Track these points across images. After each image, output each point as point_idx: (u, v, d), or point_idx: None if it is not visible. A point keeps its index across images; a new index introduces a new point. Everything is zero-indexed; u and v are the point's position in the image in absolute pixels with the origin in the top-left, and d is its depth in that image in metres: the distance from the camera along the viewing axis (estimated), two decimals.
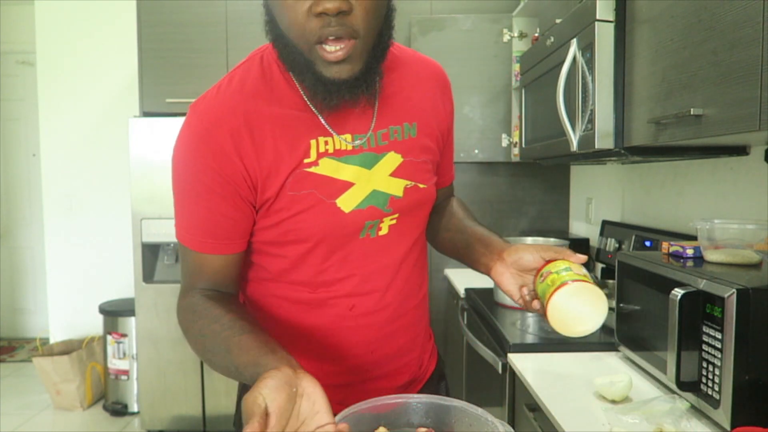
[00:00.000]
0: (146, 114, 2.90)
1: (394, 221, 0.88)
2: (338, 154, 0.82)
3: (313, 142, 0.81)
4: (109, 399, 3.20)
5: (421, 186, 0.89)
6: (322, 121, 0.81)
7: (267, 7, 0.76)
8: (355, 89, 0.76)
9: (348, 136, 0.83)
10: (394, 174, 0.86)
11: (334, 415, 0.63)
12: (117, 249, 3.57)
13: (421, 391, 1.00)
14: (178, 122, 2.74)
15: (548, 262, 0.82)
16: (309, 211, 0.81)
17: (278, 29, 0.75)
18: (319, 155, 0.81)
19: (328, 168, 0.81)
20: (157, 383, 2.85)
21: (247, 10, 2.88)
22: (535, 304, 0.81)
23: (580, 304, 0.75)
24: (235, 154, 0.78)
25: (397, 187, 0.86)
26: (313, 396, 0.62)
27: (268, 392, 0.59)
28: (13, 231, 4.55)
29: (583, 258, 0.81)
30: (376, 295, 0.89)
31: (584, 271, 0.80)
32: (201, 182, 0.79)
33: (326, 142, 0.81)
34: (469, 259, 0.94)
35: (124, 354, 3.11)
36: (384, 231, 0.87)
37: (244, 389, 0.97)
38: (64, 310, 3.64)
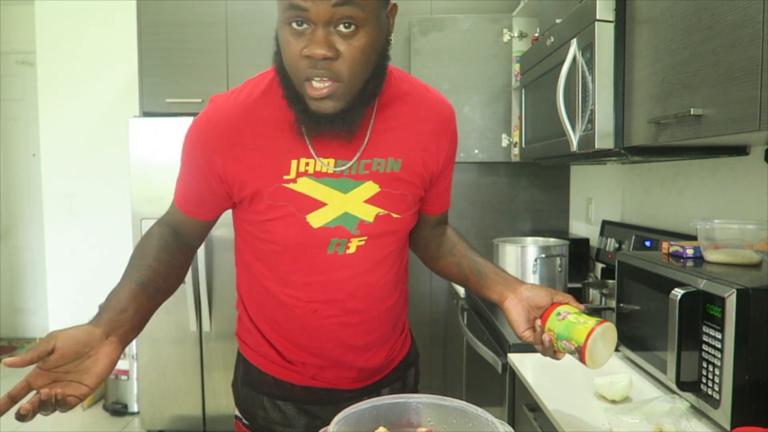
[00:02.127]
0: (146, 114, 2.90)
1: (362, 242, 0.97)
2: (317, 175, 0.93)
3: (294, 161, 0.92)
4: (109, 399, 3.20)
5: (395, 215, 0.98)
6: (308, 144, 0.92)
7: (276, 39, 0.87)
8: (334, 124, 0.86)
9: (331, 161, 0.93)
10: (369, 201, 0.96)
11: (333, 415, 0.69)
12: (117, 249, 3.57)
13: (388, 376, 1.11)
14: (178, 122, 2.75)
15: (557, 304, 0.91)
16: (281, 220, 0.93)
17: (281, 60, 0.86)
18: (299, 174, 0.92)
19: (304, 186, 0.92)
20: (157, 383, 2.85)
21: (247, 10, 2.88)
22: (545, 337, 0.89)
23: (606, 342, 0.86)
24: (219, 153, 0.92)
25: (368, 213, 0.96)
26: (96, 365, 0.79)
27: (66, 338, 0.78)
28: (13, 231, 4.55)
29: (582, 307, 0.91)
30: (338, 304, 0.99)
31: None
32: (191, 160, 0.96)
33: (307, 164, 0.92)
34: (477, 286, 1.04)
35: (124, 354, 3.11)
36: (352, 250, 0.97)
37: (241, 358, 1.13)
38: (64, 310, 3.64)
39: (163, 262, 0.96)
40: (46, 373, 0.79)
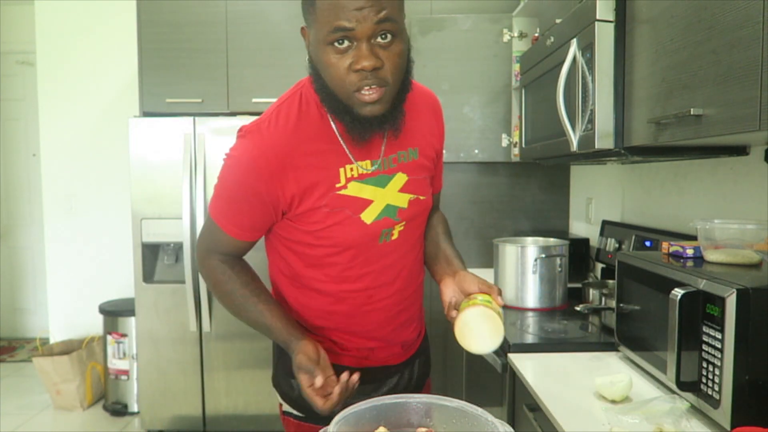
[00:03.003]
0: (146, 114, 2.90)
1: (402, 227, 1.08)
2: (360, 178, 1.03)
3: (341, 170, 1.01)
4: (109, 399, 3.20)
5: (422, 198, 1.11)
6: (347, 152, 1.01)
7: (312, 63, 0.96)
8: (383, 124, 0.96)
9: (367, 163, 1.03)
10: (402, 190, 1.07)
11: (334, 415, 0.74)
12: (117, 249, 3.57)
13: (419, 350, 1.25)
14: (178, 122, 2.75)
15: (481, 292, 1.01)
16: (341, 224, 1.02)
17: (322, 81, 0.95)
18: (347, 180, 1.01)
19: (354, 190, 1.02)
20: (157, 383, 2.85)
21: (247, 10, 2.88)
22: (453, 313, 1.01)
23: (481, 326, 0.94)
24: (278, 179, 0.98)
25: (403, 201, 1.07)
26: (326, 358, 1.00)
27: (315, 351, 0.99)
28: (13, 231, 4.55)
29: (502, 301, 1.02)
30: (387, 286, 1.11)
31: (499, 309, 0.98)
32: (243, 192, 1.01)
33: (351, 169, 1.02)
34: (431, 268, 1.18)
35: (124, 354, 3.11)
36: (395, 236, 1.08)
37: (281, 353, 1.17)
38: (64, 310, 3.64)
39: (254, 286, 1.09)
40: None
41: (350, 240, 1.04)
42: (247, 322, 1.09)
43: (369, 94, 0.90)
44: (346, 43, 0.88)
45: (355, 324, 1.12)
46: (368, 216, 1.04)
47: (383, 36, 0.88)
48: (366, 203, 1.03)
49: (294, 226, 1.05)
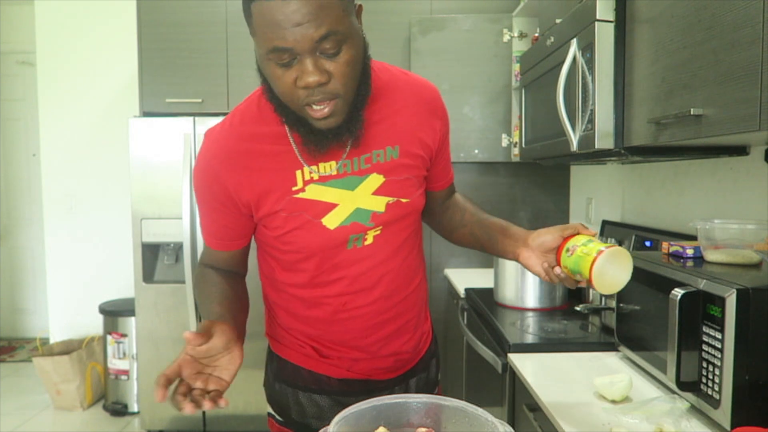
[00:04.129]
0: (146, 114, 2.90)
1: (378, 232, 1.00)
2: (323, 180, 0.96)
3: (298, 172, 0.95)
4: (109, 399, 3.20)
5: (404, 200, 1.01)
6: (309, 152, 0.93)
7: (260, 71, 0.89)
8: (340, 136, 0.90)
9: (333, 163, 0.96)
10: (377, 192, 0.98)
11: (334, 414, 0.72)
12: (117, 249, 3.57)
13: (416, 366, 1.15)
14: (178, 122, 2.75)
15: (567, 239, 0.91)
16: (300, 229, 0.97)
17: (271, 91, 0.89)
18: (305, 182, 0.95)
19: (314, 193, 0.96)
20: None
21: None
22: (560, 273, 0.91)
23: (617, 266, 0.86)
24: (230, 184, 0.95)
25: (379, 204, 0.99)
26: (232, 363, 0.86)
27: (221, 331, 0.84)
28: (13, 231, 4.55)
29: (594, 231, 0.93)
30: (365, 293, 1.03)
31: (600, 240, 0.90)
32: (206, 198, 1.00)
33: (311, 171, 0.95)
34: (494, 249, 1.07)
35: (124, 354, 3.11)
36: (369, 241, 1.00)
37: (271, 357, 1.15)
38: (64, 310, 3.64)
39: (227, 304, 1.00)
40: (194, 363, 0.83)
41: (313, 246, 0.98)
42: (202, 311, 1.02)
43: (320, 109, 0.84)
44: (287, 58, 0.81)
45: (334, 331, 1.06)
46: (331, 221, 0.97)
47: (328, 49, 0.81)
48: (328, 207, 0.96)
49: (263, 229, 1.01)
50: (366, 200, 0.97)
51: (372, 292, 1.03)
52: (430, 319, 1.22)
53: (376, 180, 0.98)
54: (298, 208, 0.96)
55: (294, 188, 0.95)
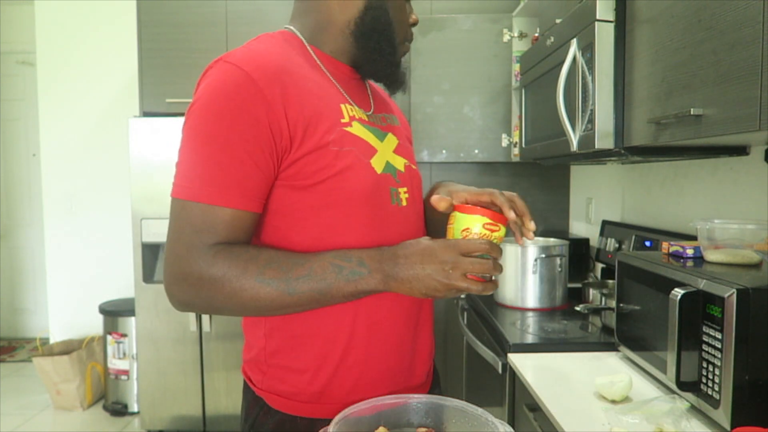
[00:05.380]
0: (146, 114, 2.90)
1: (407, 195, 0.92)
2: (362, 122, 0.89)
3: (343, 106, 0.86)
4: (109, 399, 3.20)
5: (413, 167, 0.98)
6: (342, 92, 0.89)
7: (371, 5, 0.89)
8: (399, 77, 0.96)
9: (363, 111, 0.92)
10: (395, 151, 0.94)
11: (332, 416, 0.68)
12: (117, 249, 3.57)
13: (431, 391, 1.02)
14: (178, 122, 2.74)
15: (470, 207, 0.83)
16: (351, 169, 0.82)
17: (383, 20, 0.90)
18: (351, 118, 0.86)
19: (360, 131, 0.87)
20: (157, 383, 2.85)
21: (247, 10, 2.87)
22: (445, 206, 0.83)
23: None
24: (279, 99, 0.77)
25: (399, 163, 0.93)
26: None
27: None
28: (13, 231, 4.55)
29: (511, 216, 0.82)
30: None
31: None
32: (237, 130, 0.76)
33: (352, 109, 0.88)
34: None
35: (124, 354, 3.11)
36: (404, 203, 0.91)
37: (249, 413, 0.92)
38: (64, 310, 3.64)
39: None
40: None
41: (366, 190, 0.83)
42: (300, 294, 0.76)
43: (407, 45, 0.97)
44: None
45: (373, 329, 0.86)
46: (377, 164, 0.86)
47: None
48: (372, 150, 0.87)
49: (287, 186, 0.80)
50: (391, 156, 0.92)
51: None
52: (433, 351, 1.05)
53: (393, 139, 0.94)
54: (349, 143, 0.83)
55: (343, 120, 0.84)
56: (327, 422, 0.79)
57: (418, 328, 0.94)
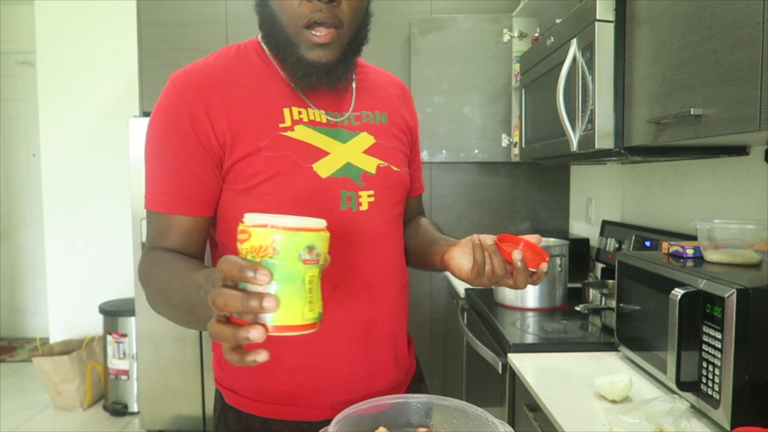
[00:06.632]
0: (146, 114, 2.90)
1: (372, 198, 0.89)
2: (313, 124, 0.87)
3: (286, 110, 0.85)
4: (109, 399, 3.20)
5: (395, 168, 0.93)
6: (300, 94, 0.87)
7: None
8: (332, 73, 0.84)
9: (322, 113, 0.88)
10: (367, 152, 0.90)
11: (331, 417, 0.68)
12: (117, 249, 3.57)
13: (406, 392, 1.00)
14: None
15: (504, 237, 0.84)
16: (286, 174, 0.83)
17: (268, 10, 0.83)
18: (294, 122, 0.85)
19: (303, 134, 0.85)
20: (157, 383, 2.85)
21: (247, 10, 2.86)
22: (490, 243, 0.83)
23: None
24: (203, 110, 0.81)
25: (369, 164, 0.90)
26: None
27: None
28: (13, 231, 4.55)
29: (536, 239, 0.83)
30: (360, 274, 0.89)
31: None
32: (171, 142, 0.82)
33: (300, 112, 0.86)
34: (428, 255, 0.96)
35: (124, 354, 3.11)
36: (364, 207, 0.89)
37: (223, 406, 0.94)
38: (64, 310, 3.64)
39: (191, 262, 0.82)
40: None
41: (300, 194, 0.83)
42: (179, 317, 0.77)
43: (319, 35, 0.79)
44: None
45: (321, 340, 0.85)
46: (323, 168, 0.84)
47: None
48: (319, 153, 0.85)
49: (228, 189, 0.84)
50: (357, 157, 0.89)
51: (368, 275, 0.89)
52: (413, 352, 1.05)
53: (366, 139, 0.91)
54: (285, 147, 0.83)
55: (281, 125, 0.84)
56: (276, 422, 0.88)
57: (373, 338, 0.91)
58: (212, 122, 0.82)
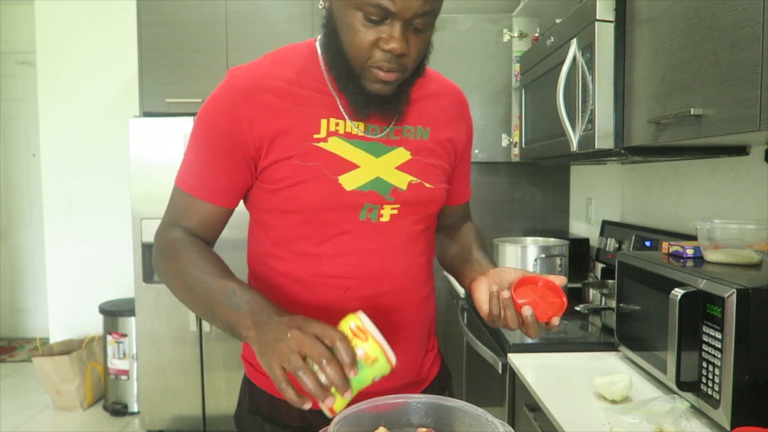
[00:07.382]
0: (146, 114, 2.90)
1: (395, 211, 0.92)
2: (348, 137, 0.89)
3: (323, 120, 0.88)
4: (109, 399, 3.20)
5: (428, 185, 0.94)
6: (339, 106, 0.89)
7: (329, 15, 0.84)
8: (388, 106, 0.87)
9: (361, 125, 0.90)
10: (400, 168, 0.91)
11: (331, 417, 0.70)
12: (117, 249, 3.57)
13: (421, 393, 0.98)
14: (179, 122, 2.75)
15: (526, 279, 0.85)
16: (310, 182, 0.87)
17: (336, 38, 0.83)
18: (329, 133, 0.88)
19: (336, 146, 0.88)
20: (157, 383, 2.85)
21: (247, 10, 2.88)
22: (506, 296, 0.83)
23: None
24: (245, 117, 0.86)
25: (401, 180, 0.91)
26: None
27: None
28: (13, 231, 4.55)
29: (563, 279, 0.85)
30: (372, 282, 0.91)
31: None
32: (208, 138, 0.89)
33: (337, 124, 0.89)
34: (460, 273, 0.99)
35: (124, 354, 3.11)
36: (385, 218, 0.91)
37: (246, 387, 1.01)
38: (64, 310, 3.64)
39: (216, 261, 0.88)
40: None
41: (320, 204, 0.87)
42: (193, 301, 0.85)
43: (386, 75, 0.81)
44: (380, 17, 0.77)
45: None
46: (349, 182, 0.87)
47: (419, 24, 0.79)
48: (349, 166, 0.88)
49: (260, 187, 0.90)
50: (389, 172, 0.90)
51: (380, 282, 0.92)
52: (437, 348, 1.09)
53: (402, 155, 0.92)
54: (314, 158, 0.86)
55: (316, 135, 0.87)
56: (281, 401, 0.92)
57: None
58: (252, 129, 0.86)
